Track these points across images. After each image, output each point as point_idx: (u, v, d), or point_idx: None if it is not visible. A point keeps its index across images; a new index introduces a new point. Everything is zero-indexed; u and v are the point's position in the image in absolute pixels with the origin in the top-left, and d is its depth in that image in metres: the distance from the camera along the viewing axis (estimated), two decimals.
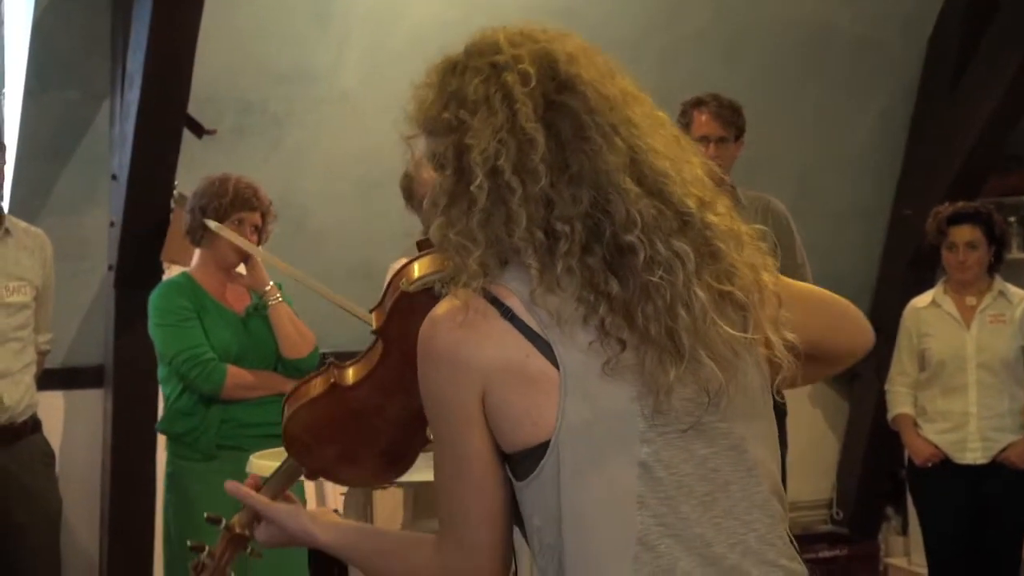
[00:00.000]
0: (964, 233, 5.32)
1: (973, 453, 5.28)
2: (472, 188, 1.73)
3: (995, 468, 5.27)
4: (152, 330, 4.75)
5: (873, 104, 7.12)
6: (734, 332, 1.74)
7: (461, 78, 1.80)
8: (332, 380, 2.07)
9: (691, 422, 1.72)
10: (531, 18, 6.61)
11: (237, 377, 4.64)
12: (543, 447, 1.70)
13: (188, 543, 2.24)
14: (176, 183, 5.67)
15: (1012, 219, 7.04)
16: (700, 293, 1.71)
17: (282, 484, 2.12)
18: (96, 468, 6.21)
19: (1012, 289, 5.42)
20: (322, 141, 6.26)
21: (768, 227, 5.19)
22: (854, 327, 2.06)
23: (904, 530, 7.30)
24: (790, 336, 1.82)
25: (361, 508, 4.27)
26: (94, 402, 6.22)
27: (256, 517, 2.10)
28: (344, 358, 5.07)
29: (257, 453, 4.28)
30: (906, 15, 6.97)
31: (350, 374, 2.08)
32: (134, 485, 5.76)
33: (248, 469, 4.16)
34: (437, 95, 1.82)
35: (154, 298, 4.77)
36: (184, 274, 4.89)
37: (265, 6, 5.99)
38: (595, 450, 1.70)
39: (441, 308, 1.76)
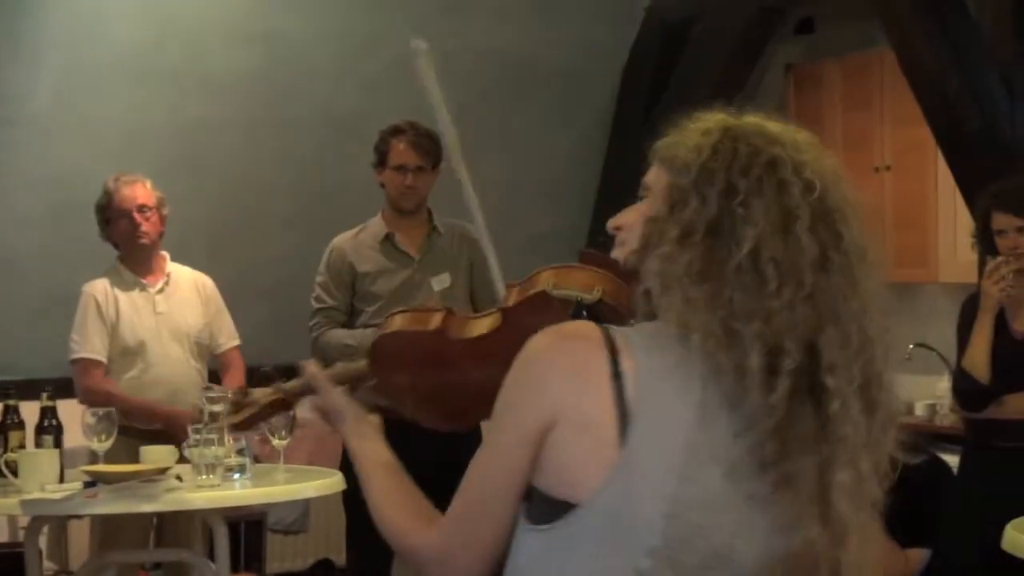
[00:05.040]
0: None
1: None
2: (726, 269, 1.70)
3: None
4: None
5: (572, 131, 7.30)
6: None
7: (741, 174, 1.77)
8: (440, 326, 2.17)
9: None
10: (232, 42, 6.49)
11: None
12: (567, 506, 1.66)
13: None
14: None
15: None
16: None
17: (346, 379, 2.17)
18: None
19: None
20: (13, 164, 6.11)
21: (464, 252, 5.19)
22: None
23: None
24: None
25: (56, 533, 4.19)
26: None
27: (308, 390, 2.13)
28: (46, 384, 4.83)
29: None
30: (601, 46, 7.18)
31: (461, 328, 2.18)
32: None
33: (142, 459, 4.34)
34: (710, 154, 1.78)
35: None
36: None
37: None
38: (606, 540, 1.65)
39: (568, 329, 1.73)
